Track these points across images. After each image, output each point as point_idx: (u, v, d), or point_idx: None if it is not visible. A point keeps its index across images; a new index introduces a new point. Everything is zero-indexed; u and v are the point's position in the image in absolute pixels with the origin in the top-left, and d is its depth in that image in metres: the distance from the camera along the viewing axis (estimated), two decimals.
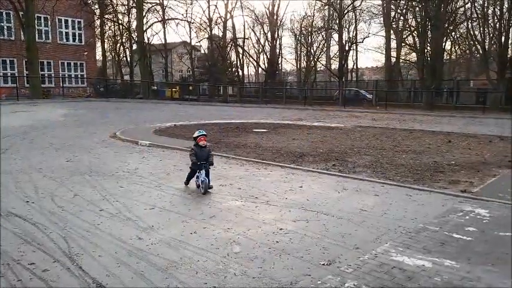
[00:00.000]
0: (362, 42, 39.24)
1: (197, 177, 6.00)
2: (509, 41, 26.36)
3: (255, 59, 46.54)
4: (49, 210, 5.01)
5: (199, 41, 46.82)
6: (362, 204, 5.44)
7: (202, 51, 48.74)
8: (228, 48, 40.98)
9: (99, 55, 42.42)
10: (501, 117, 19.97)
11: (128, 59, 43.61)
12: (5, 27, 28.40)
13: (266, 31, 43.39)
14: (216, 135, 12.23)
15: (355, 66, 44.63)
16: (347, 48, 35.10)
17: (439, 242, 4.13)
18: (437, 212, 5.12)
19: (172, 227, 4.49)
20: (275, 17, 41.83)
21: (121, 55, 45.08)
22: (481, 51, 29.15)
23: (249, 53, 45.33)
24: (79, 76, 33.45)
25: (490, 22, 27.46)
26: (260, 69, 48.43)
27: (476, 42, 29.80)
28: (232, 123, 15.94)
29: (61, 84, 29.94)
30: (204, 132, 6.16)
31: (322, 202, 5.51)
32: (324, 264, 3.61)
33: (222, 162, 8.30)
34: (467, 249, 3.94)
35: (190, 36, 45.30)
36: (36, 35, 27.29)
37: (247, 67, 54.06)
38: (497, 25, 26.50)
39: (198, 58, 49.42)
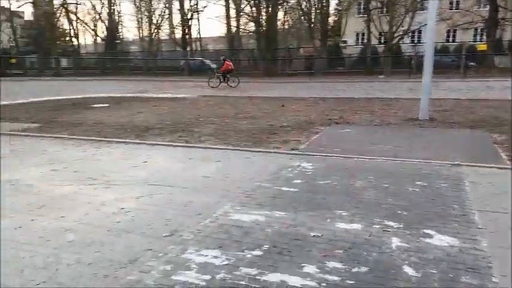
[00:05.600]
0: (203, 11, 39.48)
1: None
2: (330, 12, 29.92)
3: (92, 27, 42.48)
4: None
5: (19, 6, 40.24)
6: (205, 171, 5.61)
7: (26, 18, 42.13)
8: (58, 14, 36.31)
9: None
10: (324, 81, 22.81)
11: None
12: None
13: None
14: (48, 114, 10.92)
15: (199, 36, 44.75)
16: (189, 16, 34.81)
17: (271, 196, 4.57)
18: (271, 170, 5.63)
19: None
20: None
21: None
22: (307, 21, 32.38)
23: (83, 21, 41.06)
24: None
25: None
26: (99, 38, 44.45)
27: (304, 13, 32.91)
28: (67, 99, 14.44)
29: None
30: None
31: (167, 174, 5.49)
32: (166, 235, 3.63)
33: (54, 144, 7.49)
34: (294, 200, 4.45)
35: (9, 1, 38.53)
36: None
37: (84, 36, 49.07)
38: None
39: (21, 26, 42.55)
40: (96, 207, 4.34)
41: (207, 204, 4.37)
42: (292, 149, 6.75)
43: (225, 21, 37.98)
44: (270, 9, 28.48)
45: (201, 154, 6.63)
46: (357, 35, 37.16)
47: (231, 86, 19.25)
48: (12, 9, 38.87)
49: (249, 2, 34.44)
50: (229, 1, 36.77)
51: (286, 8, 36.73)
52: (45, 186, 5.06)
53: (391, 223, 3.81)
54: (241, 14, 36.16)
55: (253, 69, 31.61)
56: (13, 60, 34.37)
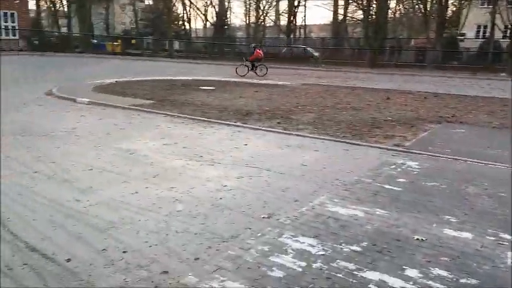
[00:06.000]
0: None
1: None
2: (449, 1, 27.37)
3: (203, 12, 44.80)
4: None
5: None
6: (303, 159, 5.62)
7: (147, 3, 46.05)
8: None
9: (32, 5, 38.69)
10: (436, 75, 21.08)
11: (65, 9, 40.18)
12: None
13: None
14: (161, 93, 11.87)
15: (303, 23, 44.46)
16: (296, 3, 34.71)
17: (372, 192, 4.40)
18: (372, 165, 5.42)
19: (112, 187, 4.40)
20: None
21: (57, 5, 41.42)
22: (422, 10, 30.06)
23: (196, 6, 43.51)
24: (10, 27, 30.41)
25: None
26: (208, 23, 46.79)
27: (419, 1, 30.62)
28: (178, 80, 15.51)
29: None
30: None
31: (266, 159, 5.62)
32: (264, 217, 3.74)
33: (166, 120, 8.13)
34: (397, 199, 4.24)
35: None
36: None
37: (195, 21, 52.04)
38: None
39: (142, 10, 46.67)
40: (202, 183, 4.63)
41: (303, 192, 4.38)
42: (396, 145, 6.40)
43: (332, 9, 37.17)
44: None
45: (298, 142, 6.64)
46: (478, 27, 33.57)
47: (258, 75, 18.52)
48: None
49: None
50: None
51: None
52: (158, 158, 5.54)
53: (507, 236, 3.44)
54: (350, 1, 34.99)
55: (357, 59, 30.50)
56: (133, 41, 37.96)
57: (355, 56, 32.26)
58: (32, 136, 6.51)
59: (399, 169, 5.27)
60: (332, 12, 37.85)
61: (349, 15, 36.67)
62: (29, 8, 35.13)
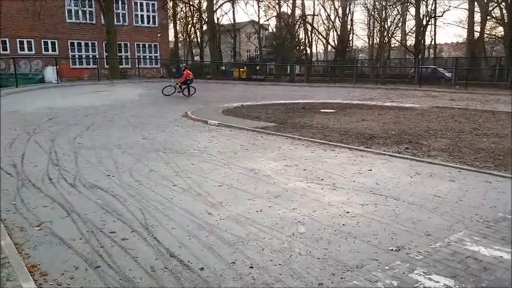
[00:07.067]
0: (442, 16, 36.39)
1: None
2: None
3: (324, 36, 45.33)
4: (127, 183, 5.41)
5: (267, 20, 46.70)
6: (436, 190, 5.16)
7: (270, 30, 48.48)
8: (297, 26, 40.27)
9: (171, 37, 44.06)
10: None
11: (198, 40, 44.84)
12: (87, 11, 30.46)
13: (337, 7, 41.89)
14: (282, 116, 12.23)
15: (433, 42, 41.65)
16: (424, 22, 32.77)
17: None
18: None
19: (239, 204, 4.63)
20: None
21: (192, 36, 46.46)
22: None
23: (318, 30, 44.27)
24: (153, 57, 34.97)
25: None
26: (329, 46, 47.09)
27: None
28: (298, 103, 15.82)
29: (137, 65, 31.65)
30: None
31: (393, 186, 5.32)
32: (392, 249, 3.51)
33: (287, 142, 8.31)
34: None
35: (258, 15, 45.59)
36: (115, 19, 28.99)
37: (316, 45, 52.85)
38: None
39: (265, 37, 49.30)
40: (323, 206, 4.58)
41: (437, 227, 4.00)
42: None
43: (466, 26, 34.08)
44: None
45: (430, 170, 6.13)
46: None
47: (185, 95, 17.97)
48: (260, 22, 45.53)
49: (499, 3, 29.85)
50: (475, 3, 32.77)
51: None
52: (280, 179, 5.67)
53: None
54: (489, 17, 31.68)
55: (498, 80, 27.25)
56: (258, 67, 40.17)
57: (495, 76, 28.88)
58: (171, 153, 7.28)
59: None
60: (466, 30, 34.74)
61: (487, 32, 33.20)
62: (169, 39, 39.95)
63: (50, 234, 3.80)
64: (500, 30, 31.41)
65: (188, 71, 18.73)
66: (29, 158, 6.78)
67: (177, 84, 18.28)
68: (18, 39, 27.13)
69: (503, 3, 28.34)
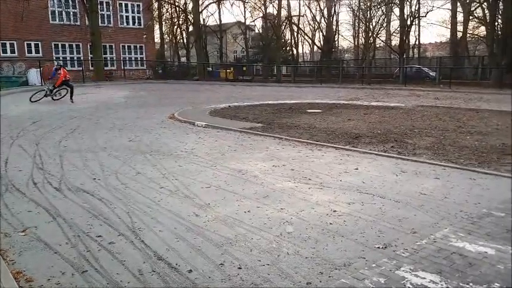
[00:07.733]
0: (425, 16, 36.99)
1: None
2: None
3: (310, 36, 45.58)
4: (114, 186, 5.35)
5: (253, 21, 46.80)
6: (421, 187, 5.24)
7: (257, 31, 48.52)
8: (283, 26, 40.40)
9: (157, 38, 43.77)
10: None
11: (185, 41, 44.64)
12: (71, 13, 30.07)
13: (322, 7, 42.17)
14: (269, 116, 12.25)
15: (417, 42, 42.23)
16: (409, 23, 33.19)
17: (505, 228, 3.89)
18: (504, 196, 4.80)
19: (227, 205, 4.63)
20: None
21: (178, 37, 46.20)
22: None
23: (303, 31, 44.50)
24: (139, 59, 34.69)
25: None
26: (315, 47, 47.38)
27: None
28: (285, 104, 15.87)
29: (122, 67, 31.35)
30: None
31: (379, 185, 5.38)
32: (379, 247, 3.55)
33: (274, 143, 8.33)
34: None
35: (244, 16, 45.41)
36: (99, 20, 28.68)
37: (302, 45, 53.15)
38: None
39: (252, 38, 49.34)
40: (311, 206, 4.61)
41: (423, 224, 4.06)
42: None
43: (450, 26, 34.65)
44: (508, 12, 24.32)
45: (415, 168, 6.22)
46: None
47: (54, 100, 15.47)
48: (247, 23, 45.56)
49: (481, 3, 30.40)
50: (457, 3, 33.33)
51: None
52: (268, 179, 5.69)
53: None
54: (471, 18, 32.24)
55: (480, 79, 27.73)
56: (244, 68, 40.17)
57: (478, 75, 29.42)
58: (158, 155, 7.23)
59: None
60: (449, 30, 35.34)
61: (470, 32, 33.81)
62: (155, 41, 39.69)
63: (35, 239, 3.74)
64: (482, 30, 32.06)
65: (65, 70, 15.67)
66: (13, 162, 6.67)
67: (49, 88, 15.51)
68: (0, 42, 26.64)
69: (485, 3, 28.89)
